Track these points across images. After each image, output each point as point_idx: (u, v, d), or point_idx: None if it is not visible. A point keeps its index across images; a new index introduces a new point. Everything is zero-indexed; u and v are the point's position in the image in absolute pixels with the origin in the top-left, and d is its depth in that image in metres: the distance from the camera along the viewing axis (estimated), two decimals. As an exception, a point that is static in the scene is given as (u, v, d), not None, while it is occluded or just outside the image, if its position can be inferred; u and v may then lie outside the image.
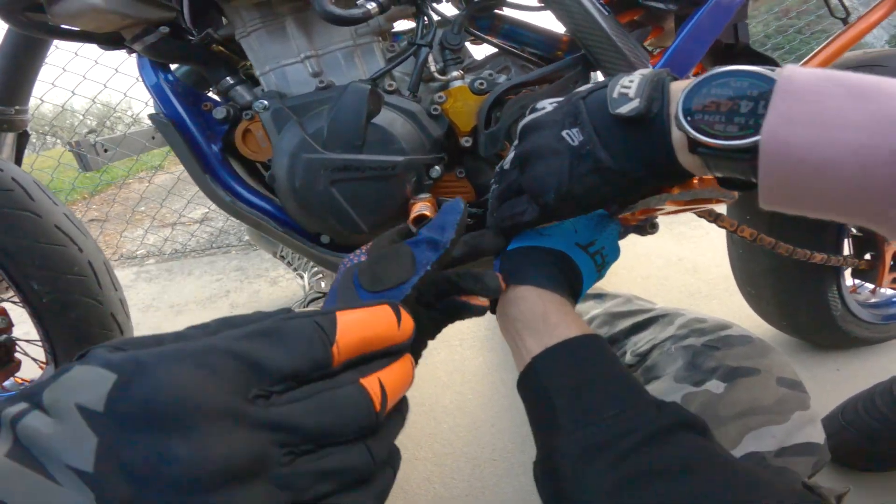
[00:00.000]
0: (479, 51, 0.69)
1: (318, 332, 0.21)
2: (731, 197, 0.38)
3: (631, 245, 1.36)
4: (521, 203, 0.42)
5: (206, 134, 0.60)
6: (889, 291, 1.06)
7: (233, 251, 1.95)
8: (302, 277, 1.33)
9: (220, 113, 0.59)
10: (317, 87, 0.57)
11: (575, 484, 0.32)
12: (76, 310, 0.79)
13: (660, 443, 0.32)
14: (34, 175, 0.81)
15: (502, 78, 0.57)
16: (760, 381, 0.52)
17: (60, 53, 1.96)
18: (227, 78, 0.60)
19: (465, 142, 0.56)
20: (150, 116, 0.60)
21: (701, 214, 0.62)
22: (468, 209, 0.57)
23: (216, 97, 0.64)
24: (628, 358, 0.64)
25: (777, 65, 0.70)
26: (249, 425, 0.18)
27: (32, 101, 0.95)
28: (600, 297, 0.84)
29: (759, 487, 0.30)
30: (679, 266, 1.40)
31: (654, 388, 0.56)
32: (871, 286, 1.06)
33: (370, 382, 0.22)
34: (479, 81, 0.56)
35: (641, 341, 0.64)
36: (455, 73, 0.58)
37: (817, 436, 0.50)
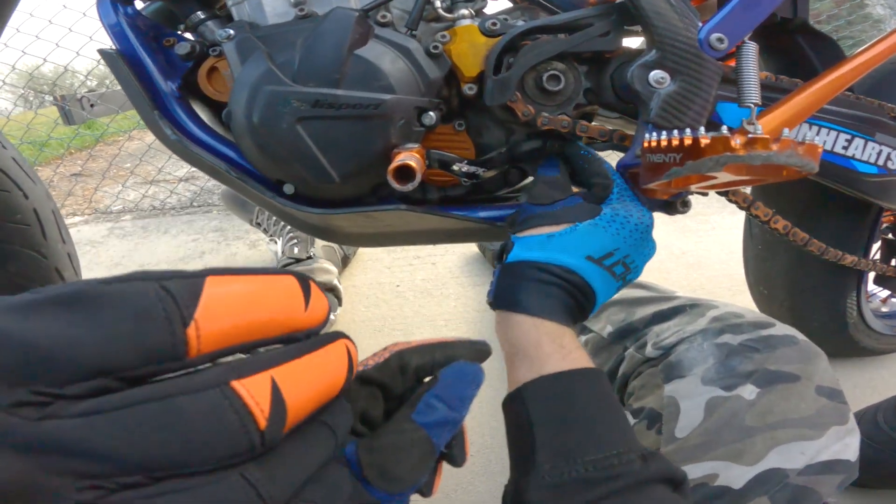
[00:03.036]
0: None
1: (164, 302, 0.13)
2: (812, 168, 0.30)
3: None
4: None
5: (164, 70, 0.51)
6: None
7: (214, 211, 1.84)
8: (276, 243, 1.24)
9: (182, 48, 0.50)
10: (296, 17, 0.47)
11: None
12: (16, 262, 0.71)
13: (634, 496, 0.31)
14: (28, 133, 0.72)
15: (519, 21, 0.48)
16: (798, 390, 0.45)
17: (68, 14, 1.90)
18: (198, 12, 0.51)
19: (469, 89, 0.47)
20: (99, 51, 0.52)
21: (734, 199, 0.53)
22: (469, 178, 0.49)
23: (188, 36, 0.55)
24: (649, 350, 0.56)
25: (837, 46, 0.61)
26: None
27: (33, 61, 0.86)
28: None
29: None
30: (682, 260, 1.33)
31: (675, 388, 0.49)
32: (884, 295, 1.01)
33: (251, 384, 0.14)
34: (492, 22, 0.46)
35: (666, 332, 0.56)
36: (464, 12, 0.48)
37: (850, 453, 0.44)
